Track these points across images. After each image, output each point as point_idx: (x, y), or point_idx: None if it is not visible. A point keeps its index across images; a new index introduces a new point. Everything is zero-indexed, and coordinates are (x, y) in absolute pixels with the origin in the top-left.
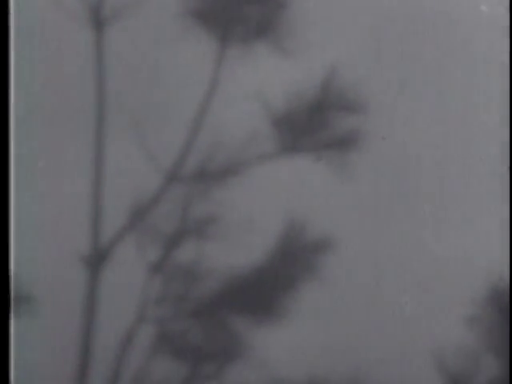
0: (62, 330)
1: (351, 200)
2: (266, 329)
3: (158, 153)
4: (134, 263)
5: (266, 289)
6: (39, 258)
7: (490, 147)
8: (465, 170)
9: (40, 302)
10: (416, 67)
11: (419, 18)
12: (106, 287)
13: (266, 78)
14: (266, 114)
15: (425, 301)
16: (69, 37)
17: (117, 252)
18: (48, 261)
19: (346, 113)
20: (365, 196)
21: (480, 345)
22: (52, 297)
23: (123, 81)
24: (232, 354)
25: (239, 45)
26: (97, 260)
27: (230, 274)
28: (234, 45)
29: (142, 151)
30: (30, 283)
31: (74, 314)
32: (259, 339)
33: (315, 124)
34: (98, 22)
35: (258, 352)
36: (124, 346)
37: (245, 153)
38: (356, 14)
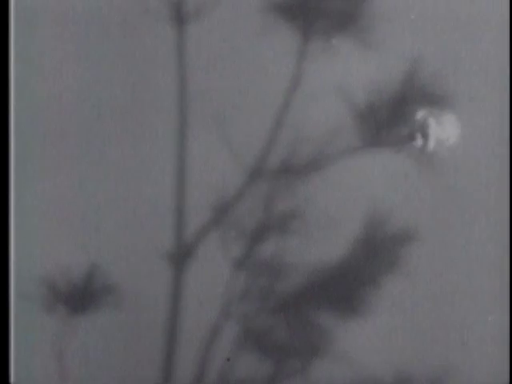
0: (147, 325)
1: (433, 192)
2: (351, 323)
3: (241, 149)
4: (218, 259)
5: (349, 283)
6: (125, 254)
7: None
8: None
9: (126, 298)
10: (496, 59)
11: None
12: (191, 283)
13: (348, 72)
14: (348, 108)
15: None
16: (151, 34)
17: (201, 248)
18: (134, 257)
19: (427, 106)
20: (447, 187)
21: None
22: (138, 292)
23: (205, 77)
24: (317, 349)
25: (321, 39)
26: (181, 256)
27: (314, 269)
28: (315, 39)
29: (226, 147)
30: (115, 278)
31: (159, 309)
32: (344, 334)
33: (397, 117)
34: (180, 19)
35: (342, 347)
36: (209, 342)
37: (327, 147)
38: (437, 7)
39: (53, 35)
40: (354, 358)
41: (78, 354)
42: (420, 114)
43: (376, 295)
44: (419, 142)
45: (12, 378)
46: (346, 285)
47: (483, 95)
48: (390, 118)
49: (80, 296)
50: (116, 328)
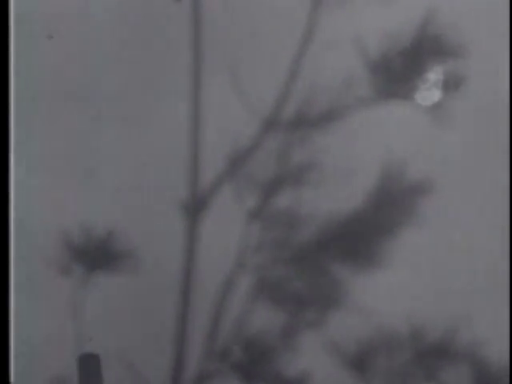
0: (162, 276)
1: (449, 143)
2: (366, 274)
3: (255, 99)
4: (232, 210)
5: (365, 234)
6: (138, 205)
7: None
8: None
9: (140, 248)
10: None
11: None
12: (205, 234)
13: (363, 22)
14: (362, 59)
15: None
16: None
17: (215, 199)
18: (147, 209)
19: (441, 57)
20: (463, 138)
21: None
22: (152, 243)
23: (219, 27)
24: (332, 300)
25: None
26: (196, 207)
27: (329, 220)
28: None
29: (240, 98)
30: (131, 234)
31: (174, 260)
32: (359, 285)
33: (411, 69)
34: None
35: (357, 298)
36: (224, 293)
37: (342, 98)
38: None
39: None
40: (370, 309)
41: (92, 309)
42: (434, 65)
43: (392, 246)
44: (433, 92)
45: (12, 378)
46: (362, 236)
47: (498, 45)
48: (404, 69)
49: (97, 250)
50: (130, 278)
